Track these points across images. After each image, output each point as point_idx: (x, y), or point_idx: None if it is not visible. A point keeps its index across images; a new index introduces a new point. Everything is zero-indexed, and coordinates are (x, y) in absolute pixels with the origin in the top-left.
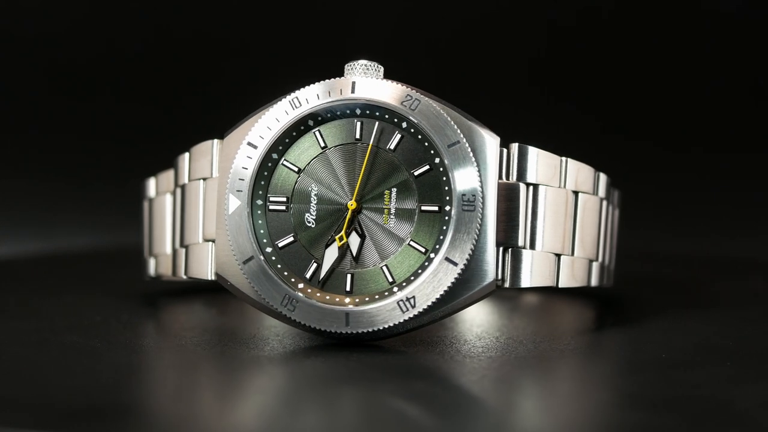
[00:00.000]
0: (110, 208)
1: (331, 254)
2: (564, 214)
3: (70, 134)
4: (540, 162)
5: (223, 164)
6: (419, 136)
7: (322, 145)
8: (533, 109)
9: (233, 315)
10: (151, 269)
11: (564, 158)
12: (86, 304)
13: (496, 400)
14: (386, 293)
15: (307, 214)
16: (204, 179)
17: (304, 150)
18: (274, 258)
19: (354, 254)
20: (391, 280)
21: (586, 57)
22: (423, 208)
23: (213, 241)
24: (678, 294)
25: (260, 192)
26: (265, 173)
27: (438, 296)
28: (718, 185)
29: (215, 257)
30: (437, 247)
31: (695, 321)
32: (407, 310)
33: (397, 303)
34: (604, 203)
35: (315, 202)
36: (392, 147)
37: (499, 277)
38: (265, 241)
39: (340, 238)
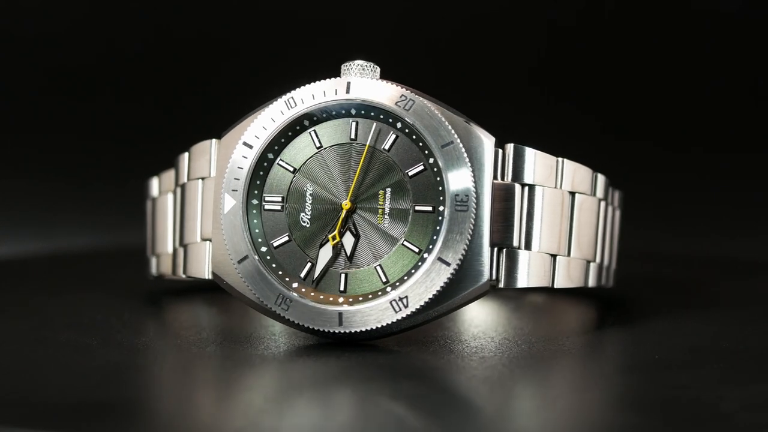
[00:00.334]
0: (110, 208)
1: (325, 254)
2: (560, 215)
3: (70, 134)
4: (536, 162)
5: (221, 164)
6: (414, 137)
7: (318, 145)
8: (533, 109)
9: (233, 314)
10: (153, 268)
11: (560, 159)
12: (87, 303)
13: (481, 400)
14: (379, 293)
15: (302, 214)
16: (202, 179)
17: (300, 150)
18: (268, 257)
19: (348, 254)
20: (384, 280)
21: (586, 57)
22: (417, 208)
23: (210, 240)
24: (678, 294)
25: (256, 191)
26: (261, 173)
27: (431, 296)
28: (718, 185)
29: (212, 256)
30: (430, 247)
31: (694, 321)
32: (400, 309)
33: (390, 303)
34: (603, 204)
35: (310, 201)
36: (387, 147)
37: (494, 277)
38: (260, 240)
39: (333, 238)
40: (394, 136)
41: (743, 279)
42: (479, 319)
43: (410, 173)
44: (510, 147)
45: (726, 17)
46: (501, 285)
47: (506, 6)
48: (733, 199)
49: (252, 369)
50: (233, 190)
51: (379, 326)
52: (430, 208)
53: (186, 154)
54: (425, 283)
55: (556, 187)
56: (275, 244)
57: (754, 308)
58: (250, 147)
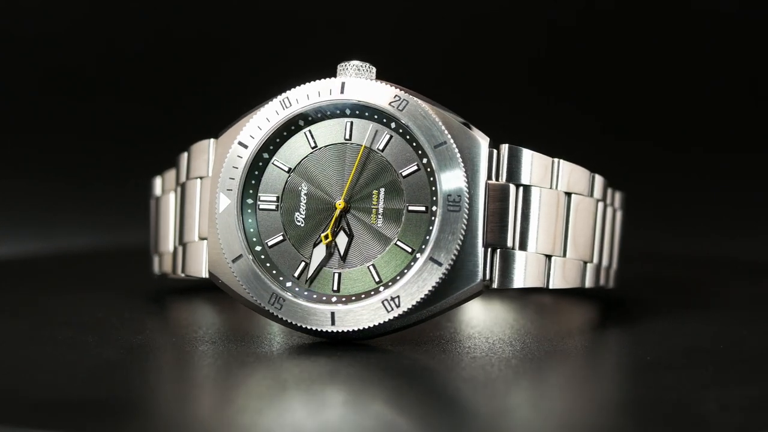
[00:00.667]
0: (110, 208)
1: (318, 253)
2: (555, 216)
3: (70, 134)
4: (531, 163)
5: (217, 163)
6: (407, 137)
7: (313, 144)
8: (533, 109)
9: (232, 313)
10: (156, 267)
11: (556, 159)
12: (87, 302)
13: (463, 401)
14: (372, 293)
15: (296, 213)
16: (201, 178)
17: (295, 149)
18: (263, 257)
19: (341, 253)
20: (377, 279)
21: (586, 57)
22: (410, 208)
23: (207, 239)
24: (678, 294)
25: (251, 191)
26: (256, 172)
27: (423, 296)
28: (718, 185)
29: (208, 255)
30: (423, 247)
31: (694, 322)
32: (392, 309)
33: (382, 302)
34: (600, 205)
35: (304, 201)
36: (381, 147)
37: (488, 277)
38: (254, 239)
39: (326, 237)
40: (388, 137)
41: (743, 279)
42: (478, 320)
43: (404, 173)
44: (505, 147)
45: (726, 17)
46: (495, 285)
47: (506, 6)
48: (733, 199)
49: (243, 368)
50: (228, 190)
51: (372, 326)
52: (423, 209)
53: (186, 154)
54: (417, 283)
55: (551, 188)
56: (269, 244)
57: (754, 309)
58: (245, 147)
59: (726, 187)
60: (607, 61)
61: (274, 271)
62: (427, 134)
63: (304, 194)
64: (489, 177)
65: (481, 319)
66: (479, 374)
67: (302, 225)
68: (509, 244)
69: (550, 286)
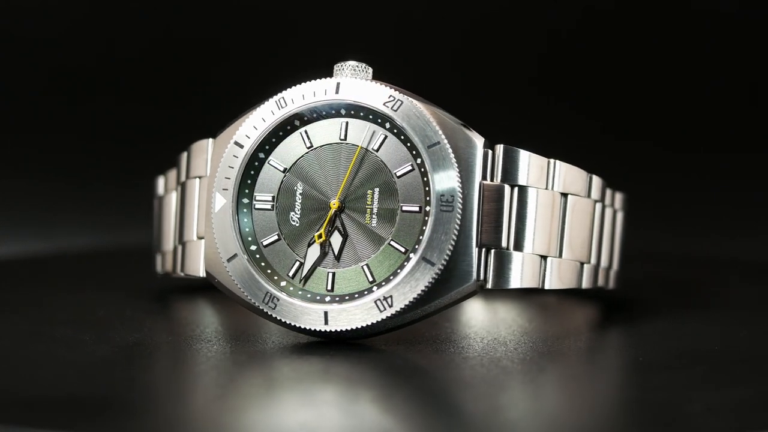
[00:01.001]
0: (110, 208)
1: (313, 253)
2: (550, 216)
3: (70, 134)
4: (526, 163)
5: (214, 163)
6: (402, 137)
7: (308, 144)
8: (533, 109)
9: (232, 312)
10: (159, 266)
11: (552, 160)
12: (88, 302)
13: (448, 401)
14: (365, 292)
15: (291, 213)
16: (200, 177)
17: (291, 149)
18: (258, 256)
19: (336, 253)
20: (371, 279)
21: (585, 57)
22: (404, 208)
23: (204, 238)
24: (677, 295)
25: (247, 190)
26: (252, 172)
27: (415, 296)
28: (718, 185)
29: (204, 255)
30: (416, 247)
31: (693, 322)
32: (385, 309)
33: (375, 302)
34: (599, 206)
35: (300, 200)
36: (376, 147)
37: (482, 277)
38: (250, 239)
39: (319, 236)
40: (383, 137)
41: (743, 279)
42: (476, 320)
43: (398, 173)
44: (500, 148)
45: (726, 17)
46: (489, 286)
47: (506, 6)
48: (733, 199)
49: (235, 367)
50: (224, 189)
51: (365, 325)
52: (417, 208)
53: (186, 153)
54: (410, 283)
55: (547, 189)
56: (264, 243)
57: (754, 309)
58: (241, 146)
59: (726, 187)
60: (607, 61)
61: (269, 271)
62: (420, 134)
63: (300, 194)
64: (484, 177)
65: (479, 319)
66: (467, 375)
67: (297, 224)
68: (504, 244)
69: (546, 287)
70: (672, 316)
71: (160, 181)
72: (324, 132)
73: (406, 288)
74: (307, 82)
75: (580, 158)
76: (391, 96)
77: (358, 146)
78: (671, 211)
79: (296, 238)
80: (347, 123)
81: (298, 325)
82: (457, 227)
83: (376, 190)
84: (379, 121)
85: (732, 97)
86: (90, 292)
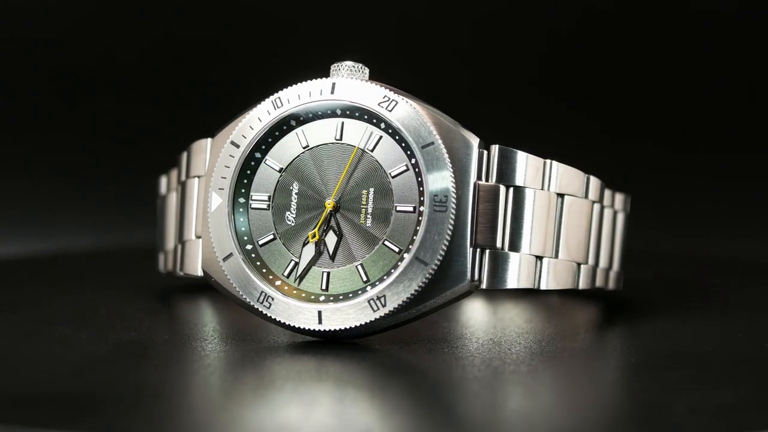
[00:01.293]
0: (110, 208)
1: (308, 252)
2: (546, 217)
3: (70, 134)
4: (522, 164)
5: (212, 162)
6: (396, 137)
7: (304, 144)
8: (533, 109)
9: (232, 311)
10: (161, 265)
11: (548, 160)
12: (88, 301)
13: (433, 401)
14: (359, 292)
15: (287, 213)
16: (199, 177)
17: (287, 149)
18: (253, 255)
19: (330, 253)
20: (365, 279)
21: (585, 57)
22: (399, 208)
23: (201, 237)
24: (677, 295)
25: (243, 190)
26: (248, 172)
27: (409, 296)
28: (718, 185)
29: (202, 254)
30: (410, 247)
31: (691, 323)
32: (378, 309)
33: (368, 301)
34: (597, 206)
35: (295, 200)
36: (371, 147)
37: (476, 278)
38: (245, 238)
39: (313, 236)
40: (378, 137)
41: (743, 279)
42: (475, 320)
43: (393, 173)
44: (495, 148)
45: (726, 17)
46: (484, 286)
47: (506, 6)
48: (733, 199)
49: (228, 365)
50: (220, 189)
51: (358, 325)
52: (411, 208)
53: (186, 153)
54: (403, 283)
55: (542, 189)
56: (260, 242)
57: (754, 310)
58: (237, 146)
59: (726, 187)
60: (607, 61)
61: (264, 270)
62: (415, 135)
63: (295, 193)
64: (479, 178)
65: (478, 319)
66: (456, 375)
67: (292, 224)
68: (499, 244)
69: (542, 287)
70: (672, 317)
71: (163, 181)
72: (320, 132)
73: (399, 288)
74: (304, 83)
75: (580, 158)
76: (386, 96)
77: (354, 147)
78: (671, 211)
79: (291, 237)
80: (343, 123)
81: (292, 325)
82: (451, 227)
83: (371, 190)
84: (374, 121)
85: (732, 97)
86: (90, 291)
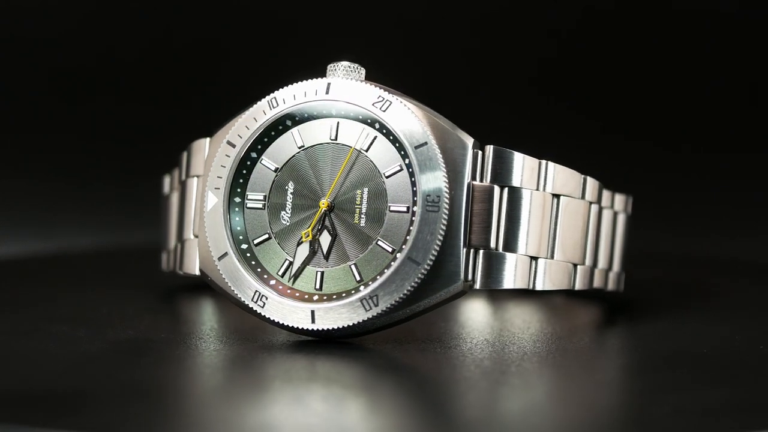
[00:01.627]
0: (110, 208)
1: (302, 252)
2: (541, 217)
3: (70, 134)
4: (517, 165)
5: (209, 161)
6: (391, 137)
7: (299, 144)
8: (533, 109)
9: (233, 310)
10: (164, 264)
11: (543, 161)
12: (88, 300)
13: (420, 401)
14: (352, 291)
15: (282, 212)
16: (198, 176)
17: (282, 149)
18: (248, 255)
19: (324, 252)
20: (358, 278)
21: (585, 57)
22: (392, 208)
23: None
24: (677, 295)
25: (239, 190)
26: (244, 171)
27: (401, 295)
28: (718, 185)
29: (199, 253)
30: (403, 247)
31: (690, 323)
32: (370, 308)
33: (360, 301)
34: (594, 207)
35: (290, 200)
36: (365, 147)
37: (470, 278)
38: (241, 237)
39: (306, 235)
40: (373, 137)
41: (743, 280)
42: (474, 320)
43: (387, 173)
44: (490, 149)
45: (726, 17)
46: (477, 286)
47: (506, 6)
48: (733, 199)
49: (221, 364)
50: (215, 188)
51: (351, 324)
52: (404, 208)
53: (186, 152)
54: (395, 282)
55: (538, 190)
56: (255, 242)
57: (753, 310)
58: (233, 146)
59: (726, 187)
60: (607, 61)
61: (259, 269)
62: (408, 135)
63: (291, 193)
64: (473, 178)
65: (477, 319)
66: (444, 375)
67: (288, 223)
68: (493, 245)
69: (537, 288)
70: (671, 317)
71: (166, 180)
72: (315, 132)
73: (391, 287)
74: (299, 83)
75: (580, 158)
76: (380, 96)
77: (350, 147)
78: (671, 211)
79: (286, 237)
80: (338, 123)
81: (286, 324)
82: (443, 227)
83: (366, 190)
84: (369, 121)
85: (732, 97)
86: (90, 291)
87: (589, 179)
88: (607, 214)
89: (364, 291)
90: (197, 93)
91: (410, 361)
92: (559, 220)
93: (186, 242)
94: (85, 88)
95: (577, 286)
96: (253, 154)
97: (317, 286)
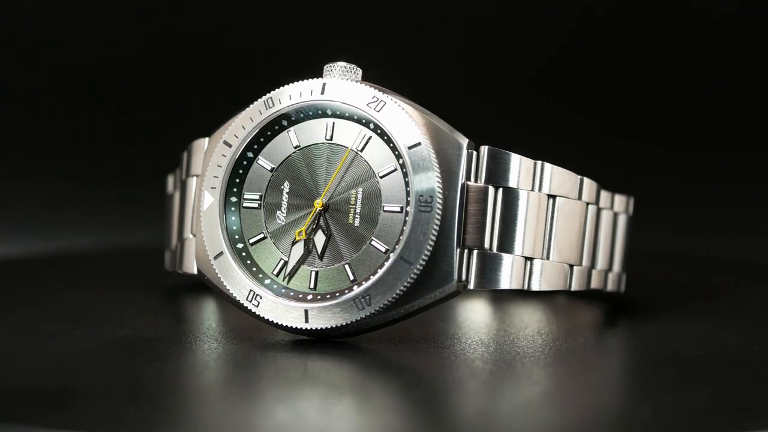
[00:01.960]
0: (110, 208)
1: (297, 251)
2: (536, 218)
3: (70, 134)
4: (513, 165)
5: (207, 161)
6: (385, 138)
7: (295, 144)
8: (532, 109)
9: (232, 310)
10: (167, 263)
11: (539, 162)
12: (88, 300)
13: (410, 401)
14: (346, 291)
15: (278, 212)
16: (197, 176)
17: (278, 149)
18: (244, 254)
19: (319, 252)
20: (352, 278)
21: (585, 57)
22: (386, 208)
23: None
24: (676, 296)
25: (235, 189)
26: (241, 171)
27: (394, 295)
28: (718, 185)
29: (196, 252)
30: (396, 247)
31: (690, 324)
32: (363, 308)
33: (353, 300)
34: (591, 208)
35: (286, 200)
36: (360, 148)
37: (463, 278)
38: (237, 237)
39: (300, 234)
40: (367, 137)
41: (743, 280)
42: (472, 320)
43: (381, 173)
44: (484, 149)
45: (726, 17)
46: (471, 286)
47: (506, 7)
48: (733, 199)
49: (216, 363)
50: (212, 188)
51: (344, 324)
52: (398, 209)
53: (186, 152)
54: (388, 282)
55: (533, 190)
56: (251, 241)
57: (753, 311)
58: (229, 146)
59: (726, 187)
60: (607, 62)
61: (254, 269)
62: (402, 135)
63: (286, 193)
64: (468, 178)
65: (476, 319)
66: (432, 374)
67: (283, 223)
68: (487, 245)
69: (532, 288)
70: (671, 317)
71: (170, 180)
72: (311, 132)
73: (384, 287)
74: (295, 83)
75: (580, 158)
76: (374, 97)
77: (347, 148)
78: (671, 211)
79: (282, 236)
80: (334, 123)
81: (280, 323)
82: (436, 228)
83: (360, 190)
84: (363, 121)
85: (732, 97)
86: (90, 291)
87: (586, 180)
88: (606, 215)
89: (356, 290)
90: (197, 93)
91: (403, 360)
92: (555, 221)
93: (185, 241)
94: (85, 88)
95: (574, 287)
96: (250, 154)
97: (311, 286)
